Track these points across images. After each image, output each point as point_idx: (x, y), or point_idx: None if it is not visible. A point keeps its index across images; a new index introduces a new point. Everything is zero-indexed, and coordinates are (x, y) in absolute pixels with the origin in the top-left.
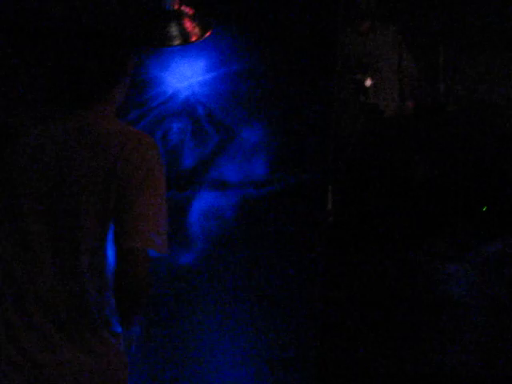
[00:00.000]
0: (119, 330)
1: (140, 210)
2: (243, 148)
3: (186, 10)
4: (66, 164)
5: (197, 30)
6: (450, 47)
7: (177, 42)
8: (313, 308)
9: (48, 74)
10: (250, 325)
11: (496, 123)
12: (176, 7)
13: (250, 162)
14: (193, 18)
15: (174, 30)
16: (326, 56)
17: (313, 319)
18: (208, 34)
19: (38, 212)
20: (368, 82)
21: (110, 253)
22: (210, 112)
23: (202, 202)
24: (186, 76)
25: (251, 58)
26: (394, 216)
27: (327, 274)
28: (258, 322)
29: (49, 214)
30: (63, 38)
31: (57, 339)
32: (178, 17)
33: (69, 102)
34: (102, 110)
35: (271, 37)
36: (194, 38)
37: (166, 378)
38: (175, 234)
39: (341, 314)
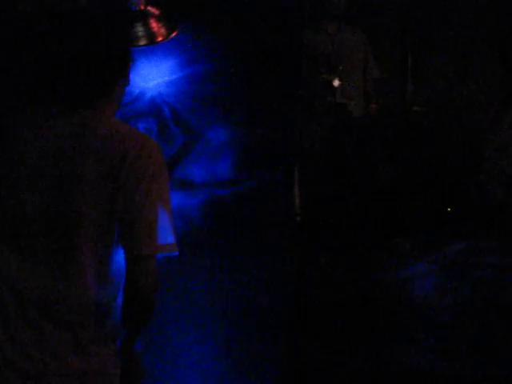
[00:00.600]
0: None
1: (146, 217)
2: (209, 148)
3: (152, 10)
4: (68, 168)
5: (163, 31)
6: (418, 49)
7: (143, 42)
8: (280, 308)
9: (49, 73)
10: (216, 325)
11: (461, 125)
12: (142, 7)
13: (215, 163)
14: (159, 19)
15: (139, 30)
16: (291, 56)
17: (280, 319)
18: (174, 34)
19: (42, 219)
20: (336, 83)
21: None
22: (176, 112)
23: None
24: (152, 76)
25: (216, 59)
26: (360, 216)
27: (294, 273)
28: (225, 322)
29: (52, 221)
30: (66, 36)
31: (58, 343)
32: (144, 17)
33: (71, 102)
34: (103, 109)
35: (237, 37)
36: (160, 38)
37: None
38: None
39: (307, 314)
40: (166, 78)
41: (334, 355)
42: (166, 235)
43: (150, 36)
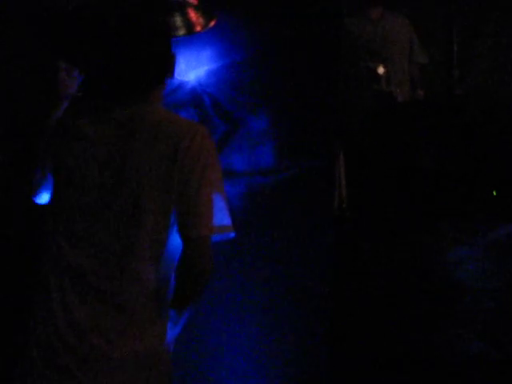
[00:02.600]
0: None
1: (203, 200)
2: (250, 137)
3: (190, 0)
4: (123, 156)
5: (201, 20)
6: (464, 34)
7: (181, 32)
8: (322, 296)
9: (101, 67)
10: (257, 313)
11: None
12: None
13: (256, 151)
14: (197, 8)
15: (178, 20)
16: (331, 43)
17: (323, 307)
18: (212, 23)
19: (98, 208)
20: (381, 70)
21: (175, 243)
22: (217, 102)
23: None
24: (192, 66)
25: (255, 47)
26: (405, 201)
27: (337, 259)
28: (266, 310)
29: (109, 210)
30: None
31: (112, 326)
32: (182, 7)
33: (122, 95)
34: (151, 101)
35: (276, 25)
36: (198, 28)
37: None
38: None
39: (352, 301)
40: (206, 68)
41: (380, 342)
42: (222, 217)
43: (189, 26)
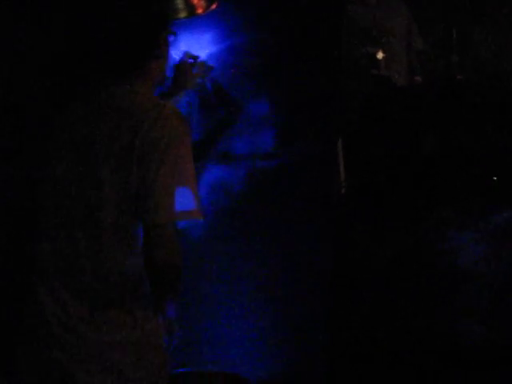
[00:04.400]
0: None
1: (162, 184)
2: (251, 121)
3: None
4: (91, 138)
5: (202, 3)
6: (463, 19)
7: (182, 14)
8: (321, 280)
9: (81, 49)
10: (257, 291)
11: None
12: None
13: (257, 135)
14: None
15: (179, 2)
16: (331, 28)
17: (322, 290)
18: (214, 6)
19: (70, 188)
20: (380, 55)
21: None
22: (218, 85)
23: (210, 176)
24: (193, 49)
25: (258, 31)
26: (406, 187)
27: (336, 244)
28: (266, 290)
29: (77, 189)
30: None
31: (83, 316)
32: None
33: (104, 77)
34: (135, 85)
35: (277, 9)
36: (199, 11)
37: None
38: None
39: (350, 285)
40: (207, 51)
41: (378, 326)
42: (185, 202)
43: (190, 8)
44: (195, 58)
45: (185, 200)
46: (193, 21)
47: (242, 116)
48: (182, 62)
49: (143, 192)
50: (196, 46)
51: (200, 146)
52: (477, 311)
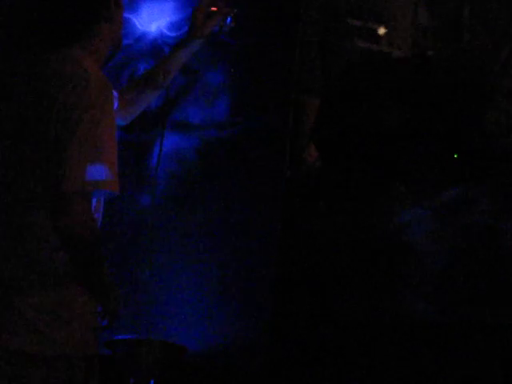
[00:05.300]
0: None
1: (72, 153)
2: (207, 90)
3: None
4: (16, 109)
5: None
6: None
7: None
8: (270, 253)
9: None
10: (208, 268)
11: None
12: None
13: (213, 104)
14: None
15: None
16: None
17: (271, 264)
18: None
19: None
20: (381, 31)
21: None
22: None
23: (165, 144)
24: (154, 17)
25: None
26: (364, 161)
27: (286, 215)
28: (216, 266)
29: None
30: None
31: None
32: None
33: (44, 45)
34: (77, 49)
35: None
36: None
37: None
38: (138, 176)
39: (298, 260)
40: (168, 19)
41: (324, 303)
42: (97, 171)
43: None
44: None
45: (97, 170)
46: None
47: (199, 85)
48: (198, 7)
49: (55, 159)
50: (157, 14)
51: (157, 114)
52: (423, 289)
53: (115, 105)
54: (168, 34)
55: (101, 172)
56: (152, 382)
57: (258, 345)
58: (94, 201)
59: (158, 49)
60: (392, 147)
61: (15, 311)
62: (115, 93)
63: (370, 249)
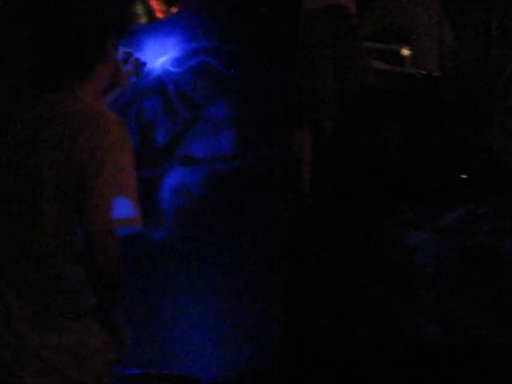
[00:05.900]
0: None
1: (100, 193)
2: (211, 124)
3: None
4: (32, 145)
5: (162, 7)
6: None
7: (143, 20)
8: (280, 282)
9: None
10: (219, 299)
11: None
12: None
13: (217, 138)
14: None
15: (139, 8)
16: (290, 35)
17: (279, 293)
18: (174, 10)
19: (6, 199)
20: (405, 52)
21: None
22: (181, 89)
23: (173, 179)
24: (158, 54)
25: (219, 35)
26: (369, 185)
27: (296, 244)
28: (227, 296)
29: (18, 194)
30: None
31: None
32: None
33: (45, 83)
34: (79, 90)
35: (238, 14)
36: (159, 15)
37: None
38: (146, 212)
39: (309, 285)
40: (170, 55)
41: (335, 325)
42: (124, 209)
43: (150, 13)
44: (129, 53)
45: (123, 208)
46: (157, 26)
47: (203, 119)
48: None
49: (82, 200)
50: (161, 51)
51: (164, 149)
52: (431, 310)
53: None
54: (172, 69)
55: (128, 210)
56: None
57: (270, 372)
58: None
59: (162, 85)
60: (399, 170)
61: (35, 352)
62: None
63: (379, 273)
